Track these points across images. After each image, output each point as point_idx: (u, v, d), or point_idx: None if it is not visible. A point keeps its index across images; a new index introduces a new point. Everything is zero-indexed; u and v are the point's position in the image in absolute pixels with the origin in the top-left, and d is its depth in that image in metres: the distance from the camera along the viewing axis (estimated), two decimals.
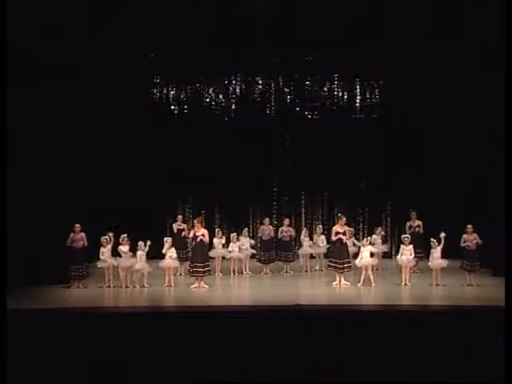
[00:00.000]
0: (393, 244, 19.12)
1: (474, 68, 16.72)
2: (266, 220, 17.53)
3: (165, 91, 19.57)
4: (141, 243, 15.09)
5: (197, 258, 14.84)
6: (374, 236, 16.88)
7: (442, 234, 14.97)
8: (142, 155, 18.84)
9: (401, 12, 17.11)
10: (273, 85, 19.62)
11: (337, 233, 15.13)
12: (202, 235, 14.84)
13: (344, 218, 15.45)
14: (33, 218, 15.04)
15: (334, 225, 15.72)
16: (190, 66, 19.04)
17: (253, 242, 17.35)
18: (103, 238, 15.13)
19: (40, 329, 11.39)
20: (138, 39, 17.86)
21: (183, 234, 16.51)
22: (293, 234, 17.35)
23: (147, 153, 18.92)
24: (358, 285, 14.86)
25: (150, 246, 15.10)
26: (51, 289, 14.80)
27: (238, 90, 19.61)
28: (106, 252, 15.11)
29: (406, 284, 15.01)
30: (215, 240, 16.56)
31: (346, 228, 15.35)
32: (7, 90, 11.82)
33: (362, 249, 15.12)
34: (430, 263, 15.18)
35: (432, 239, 15.10)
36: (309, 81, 19.52)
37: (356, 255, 15.50)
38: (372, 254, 15.29)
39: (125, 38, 17.59)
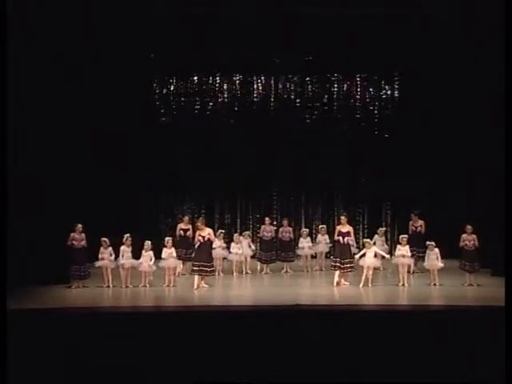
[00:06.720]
0: (392, 244, 19.09)
1: (475, 69, 16.73)
2: (267, 220, 17.53)
3: (165, 91, 19.57)
4: (147, 243, 15.19)
5: (203, 257, 14.73)
6: (376, 236, 16.90)
7: None
8: (142, 155, 18.81)
9: (400, 10, 17.05)
10: (273, 84, 19.67)
11: (339, 232, 15.16)
12: (208, 234, 14.82)
13: (343, 217, 15.50)
14: (33, 218, 15.05)
15: (334, 224, 15.71)
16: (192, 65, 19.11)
17: (253, 247, 17.32)
18: (103, 240, 15.16)
19: (40, 329, 11.39)
20: (138, 39, 17.86)
21: (180, 233, 16.46)
22: (291, 235, 17.35)
23: (147, 153, 18.90)
24: (360, 285, 14.85)
25: (150, 245, 15.21)
26: (51, 289, 14.80)
27: (238, 90, 19.62)
28: (105, 252, 15.13)
29: (403, 284, 15.02)
30: (216, 241, 16.52)
31: (350, 228, 15.36)
32: (7, 91, 11.82)
33: (368, 250, 15.10)
34: (425, 264, 15.22)
35: (428, 242, 15.11)
36: (311, 80, 19.56)
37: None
38: (376, 255, 15.29)
39: (124, 37, 17.60)
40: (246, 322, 11.69)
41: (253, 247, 17.25)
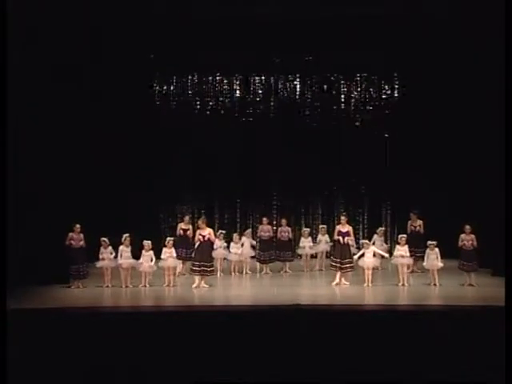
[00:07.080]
0: (392, 244, 19.07)
1: (475, 67, 16.74)
2: (264, 219, 17.52)
3: (165, 91, 19.57)
4: (146, 242, 15.17)
5: (203, 257, 14.76)
6: (375, 236, 16.90)
7: None
8: (142, 155, 18.81)
9: (401, 8, 17.06)
10: (273, 84, 19.67)
11: (339, 232, 15.17)
12: (209, 234, 14.83)
13: (343, 217, 15.51)
14: (33, 218, 15.04)
15: (334, 224, 15.72)
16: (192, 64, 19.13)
17: (254, 242, 17.40)
18: (103, 240, 15.16)
19: (40, 329, 11.39)
20: (138, 39, 17.87)
21: (180, 232, 16.45)
22: (290, 234, 17.36)
23: (147, 153, 18.90)
24: (364, 285, 14.86)
25: (150, 244, 15.20)
26: (51, 289, 14.80)
27: (238, 90, 19.63)
28: (105, 252, 15.13)
29: (403, 284, 15.02)
30: (217, 241, 16.51)
31: (349, 228, 15.35)
32: (7, 90, 11.81)
33: (366, 250, 15.10)
34: (424, 263, 15.23)
35: (429, 242, 15.11)
36: (311, 80, 19.57)
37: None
38: (374, 255, 15.29)
39: (124, 37, 17.61)
40: (246, 321, 11.68)
41: (253, 242, 17.29)
